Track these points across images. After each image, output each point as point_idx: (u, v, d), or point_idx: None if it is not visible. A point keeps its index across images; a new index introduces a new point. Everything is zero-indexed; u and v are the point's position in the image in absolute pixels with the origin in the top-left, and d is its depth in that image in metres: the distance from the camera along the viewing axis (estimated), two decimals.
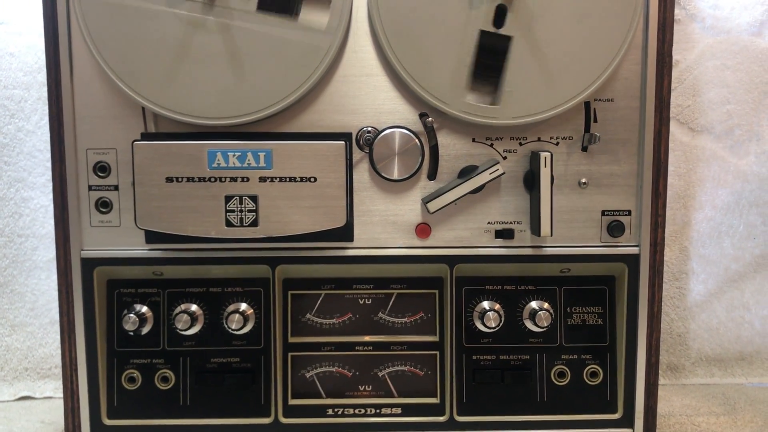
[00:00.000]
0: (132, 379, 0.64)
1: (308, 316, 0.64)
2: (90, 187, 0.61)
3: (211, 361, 0.64)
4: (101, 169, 0.61)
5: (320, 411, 0.64)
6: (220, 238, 0.59)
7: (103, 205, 0.61)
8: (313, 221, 0.58)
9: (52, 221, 0.85)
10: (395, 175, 0.59)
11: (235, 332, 0.63)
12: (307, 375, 0.65)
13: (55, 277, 0.86)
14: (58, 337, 0.85)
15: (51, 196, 0.85)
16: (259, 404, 0.62)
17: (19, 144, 0.85)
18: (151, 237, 0.60)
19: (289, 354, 0.64)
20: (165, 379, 0.64)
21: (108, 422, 0.63)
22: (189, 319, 0.62)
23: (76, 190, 0.61)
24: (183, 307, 0.63)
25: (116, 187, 0.61)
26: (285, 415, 0.63)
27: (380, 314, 0.65)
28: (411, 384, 0.65)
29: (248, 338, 0.64)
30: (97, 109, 0.60)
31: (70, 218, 0.61)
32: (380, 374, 0.65)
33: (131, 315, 0.62)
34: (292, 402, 0.64)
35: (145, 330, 0.63)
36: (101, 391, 0.63)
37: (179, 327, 0.62)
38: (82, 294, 0.62)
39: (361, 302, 0.65)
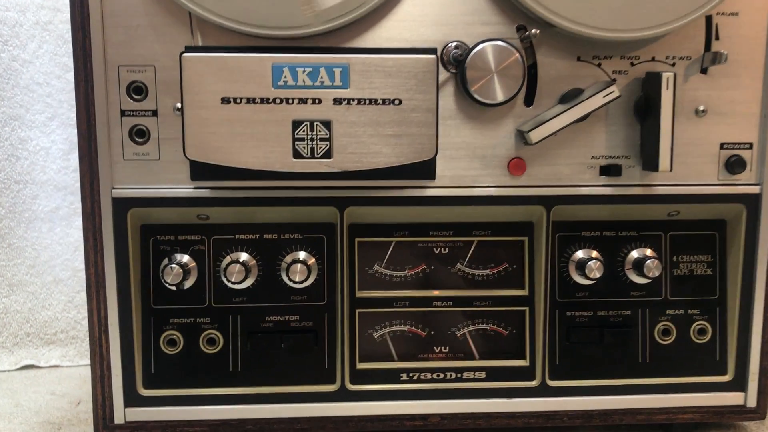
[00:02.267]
0: (172, 342, 0.54)
1: (376, 267, 0.55)
2: (123, 113, 0.51)
3: (266, 319, 0.54)
4: (136, 90, 0.51)
5: (393, 376, 0.55)
6: (286, 172, 0.49)
7: (139, 134, 0.51)
8: (396, 152, 0.49)
9: (53, 165, 0.74)
10: (496, 98, 0.50)
11: (296, 285, 0.53)
12: (376, 335, 0.56)
13: (58, 229, 0.75)
14: (63, 297, 0.75)
15: (52, 136, 0.74)
16: (322, 369, 0.53)
17: (15, 76, 0.74)
18: (198, 172, 0.50)
19: (357, 311, 0.55)
20: (212, 341, 0.54)
21: (144, 392, 0.54)
22: (243, 270, 0.52)
23: (105, 116, 0.51)
24: (233, 256, 0.53)
25: (155, 113, 0.51)
26: (353, 381, 0.54)
27: (459, 265, 0.56)
28: (494, 345, 0.56)
29: (309, 293, 0.55)
30: (132, 17, 0.50)
31: (99, 150, 0.51)
32: (458, 334, 0.56)
33: (173, 265, 0.52)
34: (360, 366, 0.55)
35: (189, 283, 0.53)
36: (136, 357, 0.53)
37: (230, 279, 0.52)
38: (113, 241, 0.52)
39: (437, 252, 0.56)
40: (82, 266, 0.76)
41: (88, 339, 0.76)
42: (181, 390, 0.54)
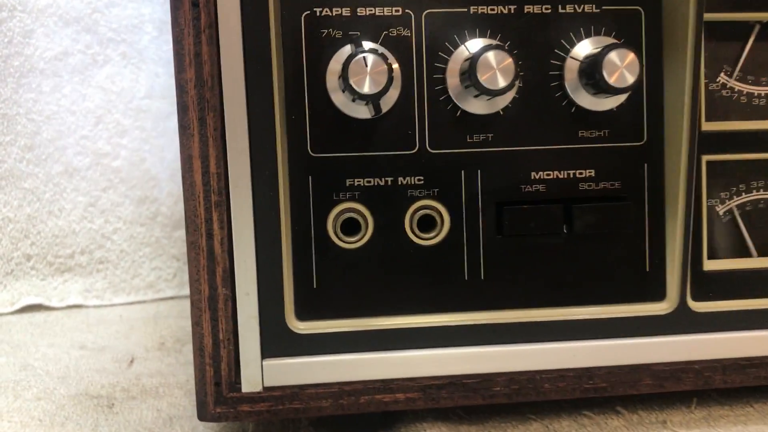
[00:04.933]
0: (351, 225, 0.27)
1: (723, 77, 0.29)
2: None
3: (530, 178, 0.27)
4: None
5: None
6: None
7: None
8: None
9: None
10: None
11: (598, 104, 0.26)
12: (722, 209, 0.29)
13: (68, 89, 0.48)
14: (81, 198, 0.48)
15: None
16: (640, 273, 0.27)
17: None
18: None
19: (704, 158, 0.28)
20: (427, 223, 0.28)
21: (300, 327, 0.27)
22: (511, 66, 0.25)
23: None
24: (471, 45, 0.26)
25: None
26: (696, 296, 0.28)
27: None
28: None
29: (611, 124, 0.28)
30: None
31: None
32: None
33: (367, 55, 0.24)
34: (708, 266, 0.29)
35: (387, 104, 0.26)
36: (284, 257, 0.26)
37: (489, 86, 0.25)
38: (238, 11, 0.24)
39: None
40: (108, 148, 0.48)
41: (122, 263, 0.49)
42: (369, 321, 0.27)
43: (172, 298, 0.49)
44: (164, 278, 0.49)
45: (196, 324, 0.27)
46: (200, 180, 0.26)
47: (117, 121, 0.48)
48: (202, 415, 0.27)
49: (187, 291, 0.50)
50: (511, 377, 0.28)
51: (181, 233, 0.50)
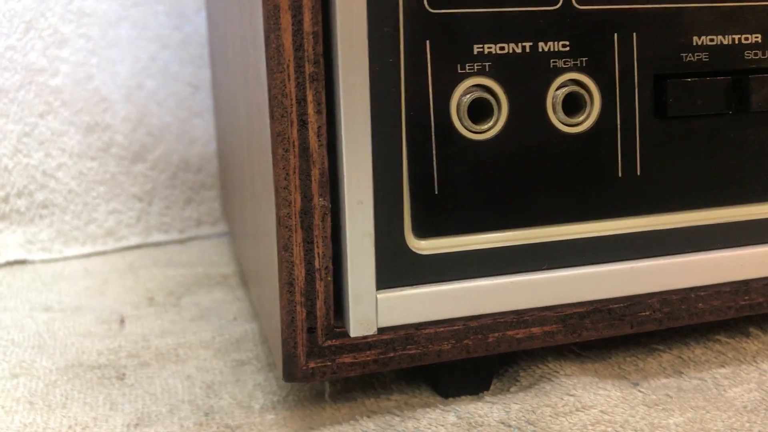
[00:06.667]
0: (481, 109, 0.20)
1: None
2: None
3: (693, 43, 0.22)
4: None
5: None
6: None
7: None
8: None
9: None
10: None
11: None
12: None
13: None
14: (13, 127, 0.39)
15: None
16: None
17: None
18: None
19: None
20: (574, 103, 0.21)
21: (421, 247, 0.20)
22: None
23: None
24: None
25: None
26: None
27: None
28: None
29: None
30: None
31: None
32: None
33: None
34: None
35: None
36: (404, 150, 0.19)
37: None
38: None
39: None
40: (43, 62, 0.41)
41: (72, 206, 0.39)
42: (503, 235, 0.21)
43: (138, 246, 0.40)
44: (126, 223, 0.40)
45: (284, 249, 0.19)
46: (290, 43, 0.18)
47: (53, 27, 0.38)
48: (290, 373, 0.20)
49: (156, 238, 0.42)
50: (663, 297, 0.23)
51: (142, 168, 0.41)
